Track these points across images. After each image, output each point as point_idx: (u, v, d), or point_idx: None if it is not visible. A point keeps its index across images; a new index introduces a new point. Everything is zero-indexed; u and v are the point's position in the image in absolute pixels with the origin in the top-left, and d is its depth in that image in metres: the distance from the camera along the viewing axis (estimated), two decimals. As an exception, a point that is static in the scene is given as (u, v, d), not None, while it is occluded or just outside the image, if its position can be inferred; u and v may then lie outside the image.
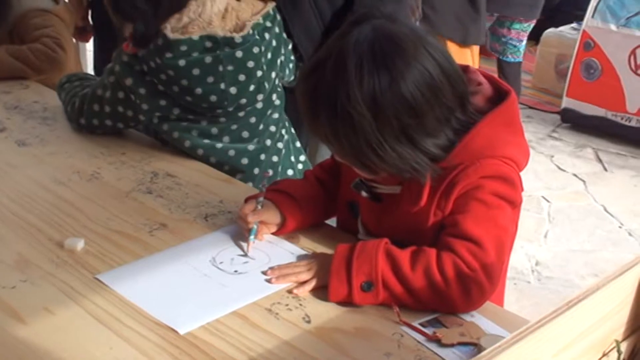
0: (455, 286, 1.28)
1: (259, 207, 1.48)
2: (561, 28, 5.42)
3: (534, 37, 6.28)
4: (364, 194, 1.45)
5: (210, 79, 1.80)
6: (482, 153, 1.32)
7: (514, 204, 1.37)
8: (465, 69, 1.39)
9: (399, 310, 1.30)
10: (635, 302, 1.01)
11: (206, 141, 1.89)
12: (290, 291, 1.36)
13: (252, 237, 1.47)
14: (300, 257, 1.47)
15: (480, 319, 1.31)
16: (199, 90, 1.81)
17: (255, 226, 1.47)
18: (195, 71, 1.79)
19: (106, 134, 2.00)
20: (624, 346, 1.02)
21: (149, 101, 1.84)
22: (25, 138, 2.01)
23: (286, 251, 1.49)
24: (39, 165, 1.86)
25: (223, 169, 1.89)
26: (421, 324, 1.29)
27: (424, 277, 1.29)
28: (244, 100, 1.86)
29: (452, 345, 1.24)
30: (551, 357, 0.88)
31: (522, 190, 1.39)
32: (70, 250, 1.47)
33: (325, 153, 2.25)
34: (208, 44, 1.79)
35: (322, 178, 1.59)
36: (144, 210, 1.64)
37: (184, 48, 1.77)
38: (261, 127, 1.94)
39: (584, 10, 4.78)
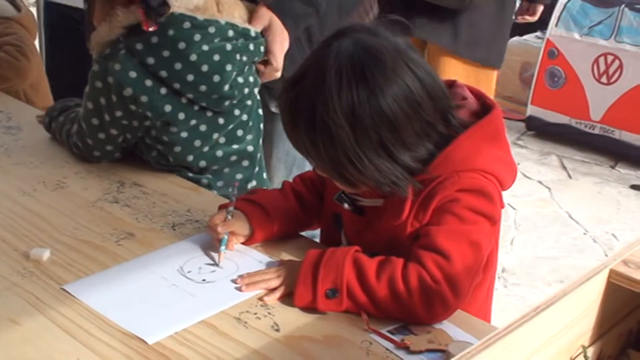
0: (418, 297, 1.28)
1: (229, 217, 1.48)
2: (525, 36, 5.48)
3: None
4: (346, 206, 1.44)
5: (228, 67, 1.78)
6: (462, 166, 1.32)
7: (492, 220, 1.36)
8: (452, 83, 1.40)
9: (367, 318, 1.30)
10: (601, 308, 1.02)
11: (205, 149, 1.84)
12: (260, 299, 1.36)
13: (222, 247, 1.47)
14: (269, 265, 1.47)
15: (448, 326, 1.31)
16: (216, 78, 1.76)
17: (225, 236, 1.47)
18: (216, 57, 1.76)
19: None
20: (590, 352, 1.03)
21: (152, 108, 1.76)
22: (-11, 148, 1.98)
23: (254, 260, 1.49)
24: (3, 175, 1.83)
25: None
26: (389, 331, 1.30)
27: (387, 287, 1.29)
28: (246, 90, 1.86)
29: (420, 352, 1.24)
30: (519, 363, 0.89)
31: (503, 206, 1.39)
32: (36, 260, 1.45)
33: (282, 155, 2.25)
34: (230, 33, 1.77)
35: (299, 190, 1.59)
36: (110, 220, 1.63)
37: (212, 30, 1.73)
38: (250, 124, 1.92)
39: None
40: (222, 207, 1.53)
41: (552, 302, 0.92)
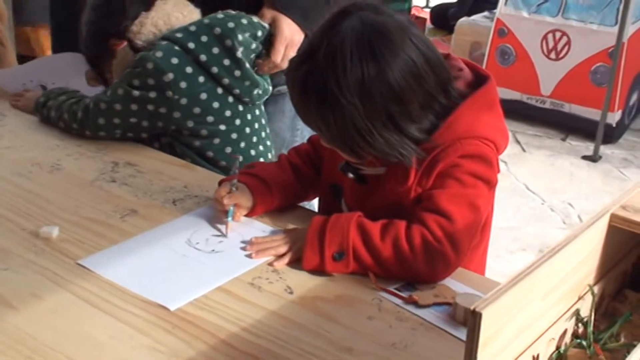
0: (421, 256, 1.35)
1: (234, 189, 1.53)
2: (474, 17, 5.61)
3: (446, 27, 6.48)
4: (350, 175, 1.50)
5: (252, 56, 1.96)
6: (464, 134, 1.39)
7: (490, 184, 1.44)
8: (447, 56, 1.46)
9: (374, 277, 1.37)
10: (603, 249, 1.10)
11: (242, 145, 1.96)
12: (270, 264, 1.42)
13: (229, 218, 1.52)
14: (273, 234, 1.53)
15: (450, 282, 1.39)
16: (248, 64, 1.92)
17: (231, 208, 1.52)
18: (247, 48, 1.92)
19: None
20: (595, 290, 1.12)
21: (190, 94, 1.85)
22: (-24, 134, 1.99)
23: (258, 230, 1.55)
24: (-5, 159, 1.85)
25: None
26: (397, 289, 1.37)
27: (392, 247, 1.36)
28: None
29: (428, 306, 1.32)
30: (541, 299, 0.97)
31: (499, 171, 1.46)
32: (46, 238, 1.48)
33: (271, 137, 2.30)
34: (259, 33, 1.96)
35: (295, 163, 1.65)
36: (111, 198, 1.67)
37: (244, 21, 1.92)
38: (267, 129, 2.07)
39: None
40: (224, 181, 1.58)
41: (564, 244, 0.99)
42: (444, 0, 7.36)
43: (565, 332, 1.08)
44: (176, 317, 1.27)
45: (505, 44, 4.90)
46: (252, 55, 1.94)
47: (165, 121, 1.88)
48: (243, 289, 1.36)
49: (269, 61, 1.98)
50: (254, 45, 1.93)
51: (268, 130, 2.07)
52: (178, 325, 1.25)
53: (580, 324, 1.10)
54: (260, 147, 2.02)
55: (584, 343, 1.09)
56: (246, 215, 1.58)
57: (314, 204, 1.83)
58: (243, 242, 1.50)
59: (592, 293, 1.10)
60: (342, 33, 1.32)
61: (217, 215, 1.56)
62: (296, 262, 1.42)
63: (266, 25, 1.96)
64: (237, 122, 1.94)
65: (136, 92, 1.84)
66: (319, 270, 1.39)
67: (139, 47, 1.90)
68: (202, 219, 1.58)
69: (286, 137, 2.22)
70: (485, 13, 5.53)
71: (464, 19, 5.65)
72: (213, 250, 1.47)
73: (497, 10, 4.96)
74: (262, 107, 2.05)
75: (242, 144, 1.96)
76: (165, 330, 1.24)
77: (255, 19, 1.94)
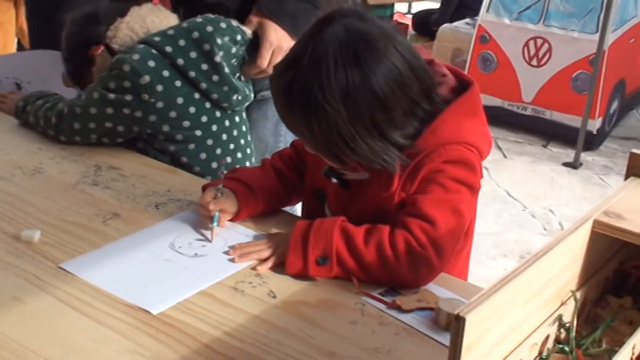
0: (405, 261, 1.35)
1: (219, 195, 1.53)
2: (456, 23, 5.64)
3: (428, 33, 6.51)
4: (334, 180, 1.50)
5: (234, 62, 1.95)
6: (447, 139, 1.40)
7: (473, 189, 1.44)
8: (430, 61, 1.47)
9: (357, 282, 1.37)
10: (586, 255, 1.11)
11: (218, 152, 1.95)
12: (253, 268, 1.42)
13: (214, 224, 1.52)
14: (256, 238, 1.52)
15: (433, 287, 1.39)
16: (227, 69, 1.90)
17: (217, 214, 1.52)
18: (226, 52, 1.91)
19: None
20: (578, 295, 1.13)
21: (166, 98, 1.84)
22: (-45, 137, 1.97)
23: (241, 234, 1.55)
24: (-25, 163, 1.83)
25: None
26: (380, 294, 1.37)
27: (375, 252, 1.36)
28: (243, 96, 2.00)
29: (411, 311, 1.32)
30: (524, 305, 0.97)
31: (482, 176, 1.47)
32: (27, 241, 1.47)
33: (255, 142, 2.30)
34: (239, 37, 1.95)
35: (279, 167, 1.65)
36: (93, 202, 1.66)
37: (223, 25, 1.92)
38: (248, 137, 2.05)
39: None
40: (207, 186, 1.58)
41: (548, 249, 1.00)
42: (426, 6, 7.41)
43: (547, 337, 1.08)
44: (159, 321, 1.27)
45: (487, 51, 4.94)
46: (233, 60, 1.94)
47: (141, 125, 1.86)
48: (226, 293, 1.36)
49: (254, 66, 1.98)
50: (234, 50, 1.92)
51: (249, 138, 2.06)
52: (160, 329, 1.25)
53: (562, 330, 1.11)
54: (239, 155, 2.00)
55: (567, 348, 1.10)
56: (230, 220, 1.58)
57: (297, 209, 1.83)
58: (226, 246, 1.49)
59: (575, 299, 1.10)
60: (327, 40, 1.32)
61: (201, 220, 1.55)
62: (279, 267, 1.42)
63: (246, 29, 1.96)
64: (214, 128, 1.93)
65: (112, 95, 1.83)
66: (302, 275, 1.40)
67: (116, 51, 1.89)
68: (185, 223, 1.57)
69: (269, 143, 2.22)
70: (467, 20, 5.56)
71: (445, 26, 5.68)
72: (196, 254, 1.47)
73: (478, 17, 4.99)
74: (244, 115, 2.04)
75: (218, 151, 1.94)
76: (147, 334, 1.23)
77: (234, 22, 1.94)
